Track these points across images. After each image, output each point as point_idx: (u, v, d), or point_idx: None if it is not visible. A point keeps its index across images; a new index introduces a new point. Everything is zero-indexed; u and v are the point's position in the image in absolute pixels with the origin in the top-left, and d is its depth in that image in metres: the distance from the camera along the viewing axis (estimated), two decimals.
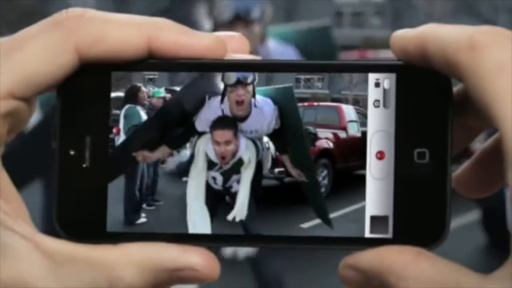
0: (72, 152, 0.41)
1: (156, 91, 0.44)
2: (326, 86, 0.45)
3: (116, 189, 0.42)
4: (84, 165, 0.41)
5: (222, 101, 0.43)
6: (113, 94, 0.42)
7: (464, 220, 5.15)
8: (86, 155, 0.41)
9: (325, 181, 0.45)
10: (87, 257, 0.39)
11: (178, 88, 0.44)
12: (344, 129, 0.45)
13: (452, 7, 17.44)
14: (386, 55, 7.95)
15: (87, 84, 0.41)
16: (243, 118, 0.43)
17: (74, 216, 0.41)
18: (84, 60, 0.40)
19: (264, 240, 0.42)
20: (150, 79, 0.43)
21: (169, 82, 0.44)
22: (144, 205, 0.44)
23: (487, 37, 0.36)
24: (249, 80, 0.43)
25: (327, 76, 0.44)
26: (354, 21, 18.94)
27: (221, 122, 0.43)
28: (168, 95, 0.44)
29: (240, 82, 0.43)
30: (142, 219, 0.43)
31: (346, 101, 0.45)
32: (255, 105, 0.43)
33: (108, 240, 0.40)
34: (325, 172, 0.45)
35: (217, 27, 2.56)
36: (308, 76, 0.44)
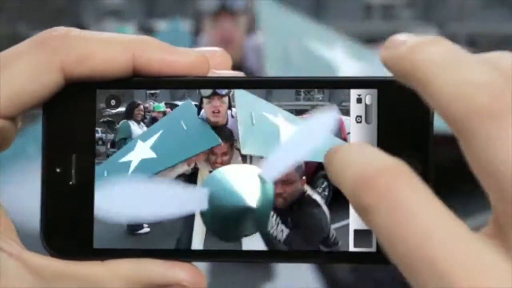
0: (58, 170, 0.42)
1: (156, 105, 0.45)
2: (326, 98, 0.45)
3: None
4: (71, 182, 0.42)
5: (198, 113, 0.44)
6: (115, 110, 0.43)
7: (479, 221, 5.08)
8: (72, 172, 0.42)
9: (325, 193, 0.45)
10: (74, 273, 0.39)
11: (178, 103, 0.45)
12: (345, 140, 0.45)
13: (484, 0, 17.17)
14: None
15: (73, 102, 0.42)
16: (221, 127, 0.44)
17: (61, 233, 0.41)
18: (69, 79, 0.41)
19: (250, 254, 0.42)
20: (152, 94, 0.44)
21: (170, 97, 0.45)
22: None
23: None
24: (224, 92, 0.43)
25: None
26: (384, 14, 18.76)
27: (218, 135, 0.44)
28: (168, 109, 0.45)
29: (215, 94, 0.44)
30: (146, 229, 0.43)
31: (347, 113, 0.45)
32: (232, 116, 0.44)
33: (95, 256, 0.40)
34: (325, 183, 0.45)
35: (202, 18, 2.57)
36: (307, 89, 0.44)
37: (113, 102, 0.43)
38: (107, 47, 0.40)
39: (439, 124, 0.40)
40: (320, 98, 0.44)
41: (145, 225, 0.43)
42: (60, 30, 0.41)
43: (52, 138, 0.42)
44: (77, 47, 0.40)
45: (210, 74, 0.43)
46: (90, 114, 0.42)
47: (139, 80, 0.42)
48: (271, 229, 0.43)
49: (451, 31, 15.74)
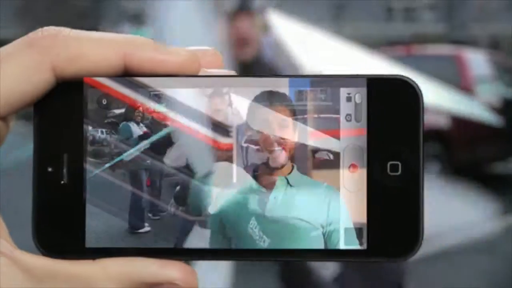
0: (49, 169, 0.41)
1: (158, 106, 0.45)
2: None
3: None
4: (62, 182, 0.41)
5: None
6: (119, 111, 0.43)
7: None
8: (64, 171, 0.41)
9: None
10: (66, 272, 0.39)
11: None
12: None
13: (506, 1, 16.97)
14: (433, 50, 7.70)
15: (64, 102, 0.41)
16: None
17: (53, 232, 0.41)
18: (60, 78, 0.40)
19: (244, 253, 0.43)
20: (156, 95, 0.44)
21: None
22: (150, 215, 0.45)
23: None
24: (224, 91, 0.44)
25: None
26: (406, 16, 18.67)
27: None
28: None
29: (216, 92, 0.44)
30: (146, 228, 0.43)
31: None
32: (232, 113, 0.44)
33: (87, 255, 0.40)
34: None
35: (220, 18, 2.59)
36: None
37: (104, 101, 0.42)
38: (98, 47, 0.40)
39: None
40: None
41: (146, 224, 0.43)
42: (51, 30, 0.40)
43: (43, 137, 0.42)
44: (68, 47, 0.40)
45: (201, 73, 0.43)
46: (81, 114, 0.42)
47: (130, 79, 0.42)
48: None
49: (473, 33, 15.61)
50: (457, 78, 6.23)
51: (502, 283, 3.86)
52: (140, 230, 0.43)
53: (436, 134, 5.98)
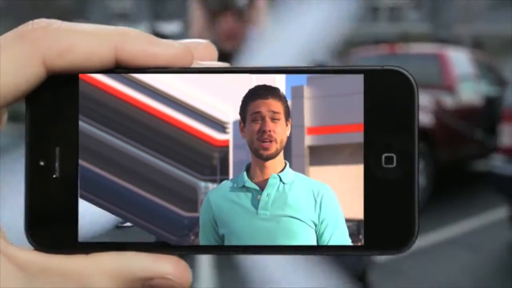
0: (42, 163, 0.41)
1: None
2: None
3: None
4: (54, 176, 0.41)
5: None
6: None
7: (493, 217, 5.07)
8: (56, 165, 0.41)
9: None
10: (59, 267, 0.39)
11: None
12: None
13: (490, 2, 17.06)
14: (417, 49, 7.68)
15: (55, 95, 0.41)
16: None
17: (46, 226, 0.41)
18: (51, 71, 0.40)
19: (250, 249, 0.42)
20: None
21: None
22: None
23: None
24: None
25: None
26: (391, 16, 18.72)
27: None
28: None
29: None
30: (128, 223, 0.43)
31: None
32: None
33: (80, 250, 0.40)
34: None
35: (208, 16, 2.60)
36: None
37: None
38: (89, 40, 0.40)
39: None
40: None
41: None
42: (42, 22, 0.40)
43: (35, 131, 0.41)
44: (59, 40, 0.39)
45: (195, 65, 0.42)
46: (73, 106, 0.41)
47: (121, 72, 0.41)
48: None
49: (457, 32, 15.66)
50: (439, 77, 6.28)
51: (482, 278, 3.89)
52: (124, 225, 0.43)
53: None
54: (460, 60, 6.76)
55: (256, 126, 0.44)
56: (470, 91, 6.53)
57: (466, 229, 4.79)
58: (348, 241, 0.42)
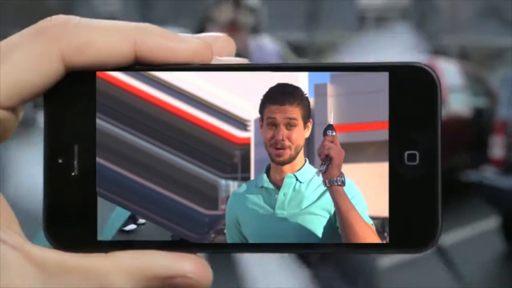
0: (60, 161, 0.40)
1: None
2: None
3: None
4: (73, 173, 0.40)
5: None
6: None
7: (483, 227, 5.11)
8: (75, 163, 0.40)
9: None
10: (78, 266, 0.38)
11: None
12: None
13: (477, 10, 17.25)
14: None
15: (74, 92, 0.40)
16: None
17: (64, 225, 0.40)
18: (70, 68, 0.39)
19: (275, 247, 0.42)
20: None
21: None
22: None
23: None
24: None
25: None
26: (378, 26, 18.84)
27: None
28: None
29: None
30: (131, 226, 0.42)
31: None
32: None
33: (99, 248, 0.39)
34: None
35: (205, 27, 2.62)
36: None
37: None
38: (108, 36, 0.39)
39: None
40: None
41: (132, 224, 0.42)
42: (60, 18, 0.39)
43: (54, 128, 0.40)
44: (78, 36, 0.39)
45: (214, 62, 0.41)
46: (92, 103, 0.40)
47: (141, 69, 0.40)
48: None
49: (443, 43, 15.81)
50: None
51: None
52: (129, 228, 0.42)
53: None
54: (449, 71, 6.82)
55: (270, 132, 0.44)
56: (459, 102, 6.58)
57: (456, 239, 4.81)
58: (369, 220, 0.42)
